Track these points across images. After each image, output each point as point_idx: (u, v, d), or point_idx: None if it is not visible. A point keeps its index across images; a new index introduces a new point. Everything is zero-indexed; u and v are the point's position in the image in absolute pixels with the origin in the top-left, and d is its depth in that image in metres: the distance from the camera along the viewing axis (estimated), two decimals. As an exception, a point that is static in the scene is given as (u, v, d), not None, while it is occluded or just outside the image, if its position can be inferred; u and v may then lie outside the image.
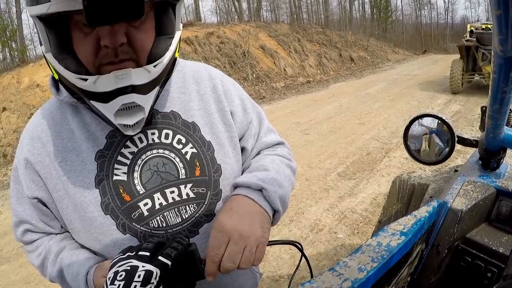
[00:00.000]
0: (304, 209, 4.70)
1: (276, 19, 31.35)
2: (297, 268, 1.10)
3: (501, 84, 1.08)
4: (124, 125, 0.89)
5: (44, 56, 0.87)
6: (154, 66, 0.87)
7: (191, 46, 15.56)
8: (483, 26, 12.35)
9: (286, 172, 1.15)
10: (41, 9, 0.76)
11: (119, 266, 0.82)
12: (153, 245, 0.86)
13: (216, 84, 1.17)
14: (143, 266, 0.81)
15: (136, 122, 0.90)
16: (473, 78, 12.26)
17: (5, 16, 16.66)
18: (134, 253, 0.84)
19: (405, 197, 2.07)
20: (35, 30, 0.85)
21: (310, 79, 17.43)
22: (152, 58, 0.88)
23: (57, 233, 1.12)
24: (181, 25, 0.95)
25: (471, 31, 12.09)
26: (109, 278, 0.81)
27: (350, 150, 6.89)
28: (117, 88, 0.83)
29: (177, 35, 0.93)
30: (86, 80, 0.83)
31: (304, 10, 37.01)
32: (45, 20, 0.80)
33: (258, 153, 1.24)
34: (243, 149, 1.21)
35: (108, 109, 0.86)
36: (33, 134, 1.02)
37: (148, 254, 0.84)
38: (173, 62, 0.96)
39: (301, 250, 1.09)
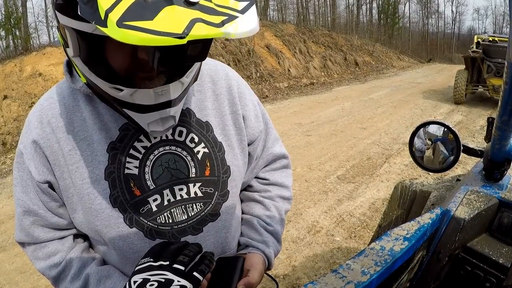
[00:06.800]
0: (303, 210, 4.71)
1: (282, 19, 31.34)
2: None
3: (514, 94, 1.09)
4: (155, 131, 0.90)
5: (69, 58, 0.83)
6: (186, 77, 0.86)
7: (196, 42, 15.57)
8: (490, 38, 12.37)
9: (284, 221, 1.33)
10: (83, 27, 0.70)
11: (150, 275, 0.81)
12: (189, 259, 0.85)
13: (232, 85, 1.16)
14: (178, 281, 0.79)
15: (166, 129, 0.91)
16: (477, 89, 12.28)
17: (9, 3, 16.54)
18: (168, 263, 0.83)
19: (406, 203, 2.07)
20: (61, 31, 0.80)
21: (314, 81, 17.43)
22: (184, 67, 0.86)
23: (67, 233, 1.09)
24: None
25: (478, 43, 12.13)
26: (134, 282, 0.79)
27: (351, 153, 6.90)
28: (156, 104, 0.83)
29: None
30: (121, 90, 0.80)
31: (311, 12, 37.06)
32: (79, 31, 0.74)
33: (265, 179, 1.32)
34: (249, 154, 1.22)
35: (143, 118, 0.86)
36: (42, 117, 0.99)
37: (183, 268, 0.83)
38: (199, 66, 0.93)
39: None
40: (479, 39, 12.59)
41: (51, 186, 1.00)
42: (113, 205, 0.98)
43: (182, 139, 1.04)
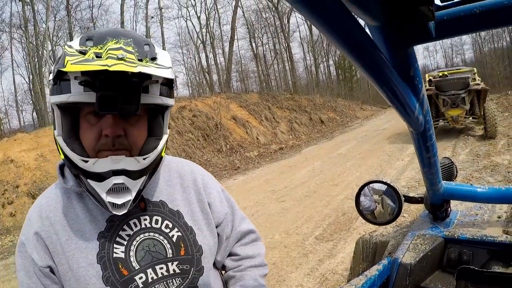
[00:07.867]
0: (285, 276, 4.71)
1: (245, 88, 32.18)
2: None
3: (423, 152, 1.28)
4: (113, 204, 1.05)
5: (55, 138, 1.08)
6: (144, 159, 1.08)
7: (165, 122, 15.74)
8: (440, 74, 13.04)
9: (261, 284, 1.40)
10: (62, 98, 1.00)
11: None
12: None
13: (196, 178, 1.37)
14: None
15: (123, 203, 1.07)
16: (438, 123, 12.74)
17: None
18: None
19: (369, 256, 2.17)
20: (52, 115, 1.09)
21: (283, 145, 17.73)
22: (143, 152, 1.10)
23: None
24: (168, 130, 1.19)
25: (430, 80, 12.67)
26: None
27: (326, 212, 6.97)
28: (111, 170, 1.03)
29: (164, 138, 1.16)
30: (87, 161, 1.03)
31: (273, 78, 38.16)
32: (62, 108, 1.03)
33: (237, 255, 1.44)
34: (219, 235, 1.38)
35: (101, 187, 1.04)
36: (42, 213, 1.17)
37: None
38: (159, 159, 1.17)
39: None
40: (430, 77, 13.17)
41: (51, 270, 1.15)
42: (105, 284, 1.13)
43: (158, 226, 1.22)
